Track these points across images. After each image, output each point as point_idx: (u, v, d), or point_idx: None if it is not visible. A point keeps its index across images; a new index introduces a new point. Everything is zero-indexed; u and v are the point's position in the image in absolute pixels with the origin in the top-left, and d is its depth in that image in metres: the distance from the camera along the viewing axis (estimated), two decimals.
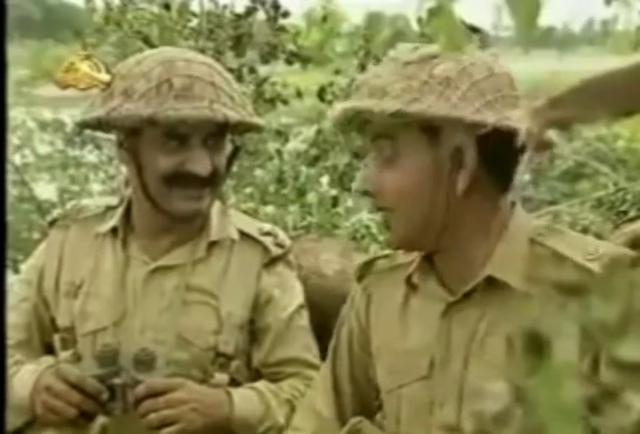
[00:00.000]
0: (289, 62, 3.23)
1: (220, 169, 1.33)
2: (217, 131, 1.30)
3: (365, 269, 1.20)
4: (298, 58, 3.20)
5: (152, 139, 1.28)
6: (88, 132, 4.11)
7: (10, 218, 3.52)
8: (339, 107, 1.06)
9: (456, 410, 1.03)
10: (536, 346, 0.38)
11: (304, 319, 1.43)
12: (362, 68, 3.13)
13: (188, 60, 1.29)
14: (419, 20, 2.81)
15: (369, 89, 1.01)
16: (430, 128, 0.98)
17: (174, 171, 1.28)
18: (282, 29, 3.18)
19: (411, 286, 1.11)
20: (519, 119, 1.26)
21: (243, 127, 1.37)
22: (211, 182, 1.31)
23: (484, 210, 1.02)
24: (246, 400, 1.32)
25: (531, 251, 1.02)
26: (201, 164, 1.28)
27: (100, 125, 1.32)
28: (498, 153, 0.99)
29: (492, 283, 1.02)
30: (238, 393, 1.32)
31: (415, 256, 1.11)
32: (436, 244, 1.04)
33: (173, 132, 1.26)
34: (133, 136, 1.29)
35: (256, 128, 1.41)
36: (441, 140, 0.98)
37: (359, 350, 1.20)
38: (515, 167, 1.03)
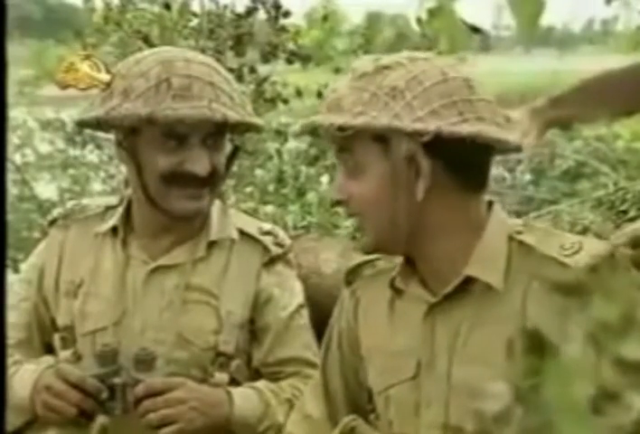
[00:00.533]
0: (290, 62, 3.23)
1: (219, 169, 1.33)
2: (216, 131, 1.30)
3: (353, 274, 1.22)
4: (299, 57, 3.20)
5: (151, 139, 1.28)
6: (88, 131, 4.12)
7: (10, 217, 3.52)
8: (299, 123, 1.11)
9: (444, 410, 1.04)
10: (538, 346, 0.38)
11: (304, 318, 1.43)
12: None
13: (187, 59, 1.29)
14: (419, 20, 2.81)
15: (327, 104, 1.05)
16: (381, 139, 1.01)
17: (173, 170, 1.28)
18: (283, 29, 3.18)
19: (396, 289, 1.13)
20: (516, 119, 1.27)
21: (243, 127, 1.37)
22: (211, 181, 1.31)
23: (454, 212, 1.04)
24: (246, 399, 1.32)
25: (509, 249, 1.04)
26: (199, 163, 1.28)
27: (99, 124, 1.32)
28: (460, 157, 1.01)
29: (472, 283, 1.04)
30: (237, 392, 1.32)
31: (398, 259, 1.13)
32: (407, 247, 1.07)
33: (171, 132, 1.26)
34: (132, 136, 1.29)
35: (255, 128, 1.41)
36: (392, 149, 1.01)
37: (349, 353, 1.22)
38: (484, 168, 1.06)
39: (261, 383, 1.36)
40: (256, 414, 1.31)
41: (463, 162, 1.02)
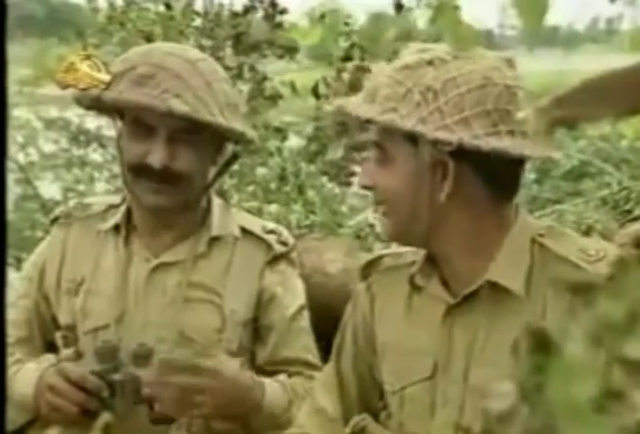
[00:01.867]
0: (280, 56, 3.23)
1: (184, 167, 1.28)
2: (190, 127, 1.26)
3: (369, 268, 1.21)
4: (285, 49, 3.20)
5: (127, 128, 1.29)
6: (92, 131, 4.12)
7: (14, 216, 3.53)
8: (334, 103, 1.11)
9: (459, 411, 1.04)
10: (543, 345, 0.38)
11: (305, 320, 1.43)
12: (347, 58, 3.13)
13: (170, 53, 1.29)
14: (396, 7, 2.79)
15: (366, 90, 1.04)
16: (411, 138, 1.00)
17: (139, 161, 1.28)
18: (280, 26, 3.18)
19: (414, 286, 1.12)
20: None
21: (230, 133, 1.32)
22: (172, 178, 1.28)
23: (480, 215, 1.03)
24: (273, 390, 1.31)
25: (532, 253, 1.03)
26: (156, 156, 1.26)
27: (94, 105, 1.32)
28: (489, 164, 0.99)
29: (493, 286, 1.03)
30: (267, 382, 1.31)
31: (418, 256, 1.12)
32: (428, 244, 1.06)
33: (139, 121, 1.27)
34: (121, 124, 1.31)
35: (240, 136, 1.35)
36: (420, 151, 1.00)
37: (364, 348, 1.21)
38: (515, 176, 1.04)
39: (282, 377, 1.35)
40: (281, 405, 1.30)
41: (492, 169, 1.00)
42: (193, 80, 1.26)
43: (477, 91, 0.97)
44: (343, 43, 3.18)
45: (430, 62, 0.99)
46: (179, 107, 1.23)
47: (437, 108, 0.97)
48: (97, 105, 1.30)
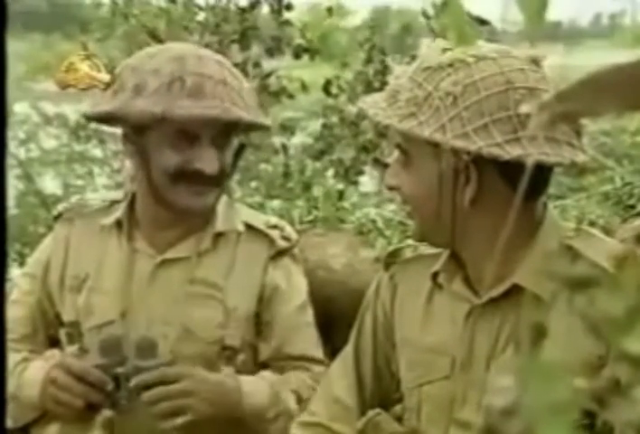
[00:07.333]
0: (297, 56, 3.22)
1: (226, 167, 1.33)
2: (225, 130, 1.31)
3: (393, 258, 1.20)
4: (307, 51, 3.18)
5: (162, 136, 1.28)
6: (92, 127, 4.12)
7: (16, 212, 3.53)
8: (361, 101, 1.09)
9: (476, 411, 1.03)
10: (542, 340, 0.38)
11: (309, 315, 1.43)
12: (368, 61, 3.13)
13: (200, 57, 1.29)
14: (424, 12, 2.80)
15: (388, 90, 1.03)
16: (433, 143, 0.98)
17: (182, 168, 1.28)
18: (287, 22, 3.17)
19: (436, 284, 1.11)
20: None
21: (251, 127, 1.37)
22: (218, 179, 1.32)
23: (506, 216, 1.00)
24: (254, 386, 1.31)
25: (559, 256, 1.01)
26: (209, 162, 1.28)
27: (108, 118, 1.32)
28: (515, 167, 0.95)
29: (519, 290, 1.01)
30: (246, 380, 1.32)
31: (441, 249, 1.11)
32: (455, 244, 1.05)
33: (184, 130, 1.27)
34: (142, 132, 1.29)
35: (263, 128, 1.41)
36: (441, 156, 0.99)
37: (383, 339, 1.21)
38: (542, 176, 1.01)
39: (267, 373, 1.36)
40: (264, 401, 1.31)
41: (516, 172, 0.96)
42: (234, 83, 1.30)
43: (498, 96, 0.95)
44: (347, 39, 3.18)
45: (451, 65, 0.97)
46: (244, 114, 1.28)
47: (456, 115, 0.95)
48: (111, 118, 1.31)
